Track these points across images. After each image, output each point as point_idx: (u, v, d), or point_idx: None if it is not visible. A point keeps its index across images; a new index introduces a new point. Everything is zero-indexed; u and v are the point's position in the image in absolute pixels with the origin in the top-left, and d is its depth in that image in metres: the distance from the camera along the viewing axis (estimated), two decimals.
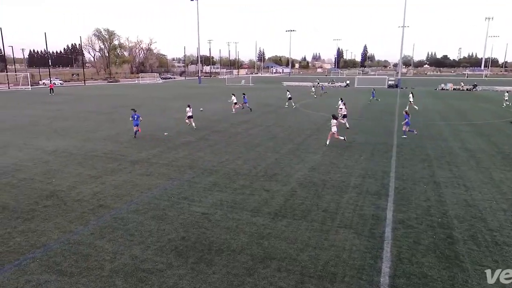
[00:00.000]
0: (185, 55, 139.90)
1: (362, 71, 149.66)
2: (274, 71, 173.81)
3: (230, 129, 21.03)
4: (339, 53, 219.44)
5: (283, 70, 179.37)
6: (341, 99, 25.34)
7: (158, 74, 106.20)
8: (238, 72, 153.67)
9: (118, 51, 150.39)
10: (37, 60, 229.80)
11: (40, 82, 76.83)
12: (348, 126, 20.75)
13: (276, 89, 57.79)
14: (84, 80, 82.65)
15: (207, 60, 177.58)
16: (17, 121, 24.24)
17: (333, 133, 16.34)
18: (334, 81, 72.00)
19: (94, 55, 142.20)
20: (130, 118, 20.15)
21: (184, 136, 18.98)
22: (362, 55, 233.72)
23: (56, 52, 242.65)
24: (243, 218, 9.32)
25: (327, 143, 16.54)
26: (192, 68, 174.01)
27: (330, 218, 9.34)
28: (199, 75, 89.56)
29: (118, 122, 23.58)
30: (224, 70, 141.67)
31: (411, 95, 30.47)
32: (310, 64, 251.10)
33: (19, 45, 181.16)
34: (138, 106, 32.85)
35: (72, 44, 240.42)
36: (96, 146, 16.77)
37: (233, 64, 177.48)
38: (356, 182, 11.90)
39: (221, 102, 36.52)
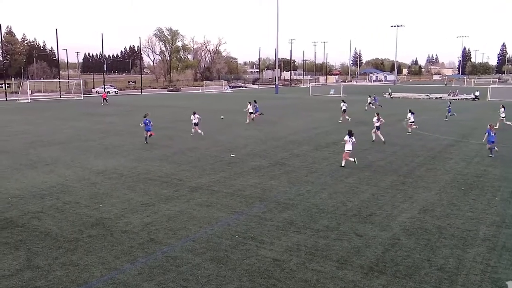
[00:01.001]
0: (259, 59, 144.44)
1: (499, 78, 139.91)
2: (374, 78, 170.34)
3: (313, 153, 21.00)
4: (465, 55, 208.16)
5: (385, 77, 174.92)
6: (410, 111, 28.22)
7: (226, 81, 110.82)
8: (326, 79, 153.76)
9: (181, 54, 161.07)
10: (91, 65, 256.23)
11: (93, 90, 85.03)
12: (383, 139, 23.53)
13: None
14: (141, 88, 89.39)
15: (286, 65, 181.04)
16: (66, 135, 27.00)
17: (346, 152, 17.86)
18: (456, 92, 68.31)
19: (154, 59, 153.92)
20: (141, 124, 24.62)
21: (254, 159, 19.37)
22: (498, 57, 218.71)
23: (112, 55, 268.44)
24: (326, 270, 9.08)
25: (343, 164, 17.93)
26: (268, 74, 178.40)
27: (448, 280, 8.67)
28: (277, 83, 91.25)
29: (176, 140, 24.98)
30: (308, 77, 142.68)
31: (502, 109, 31.85)
32: (423, 69, 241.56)
33: (74, 47, 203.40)
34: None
35: (130, 47, 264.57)
36: (150, 167, 17.89)
37: (320, 69, 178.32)
38: (487, 232, 10.95)
39: (303, 118, 36.75)
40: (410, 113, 27.96)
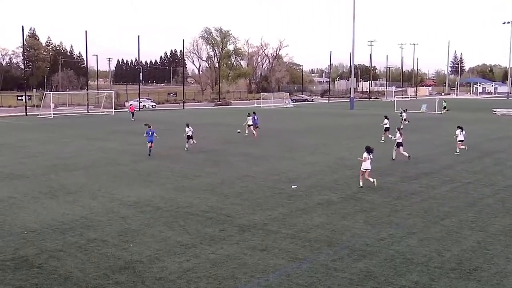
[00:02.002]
0: (330, 65, 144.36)
1: None
2: (480, 90, 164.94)
3: (399, 185, 20.54)
4: None
5: (495, 88, 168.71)
6: (459, 127, 30.12)
7: (288, 94, 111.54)
8: (417, 91, 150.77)
9: (233, 59, 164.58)
10: (125, 73, 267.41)
11: (127, 103, 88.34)
12: (408, 155, 26.53)
13: (485, 121, 54.60)
14: (184, 102, 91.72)
15: (365, 73, 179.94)
16: (93, 157, 28.15)
17: (363, 171, 19.96)
18: None
19: (200, 66, 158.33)
20: (145, 134, 28.26)
21: (322, 192, 19.20)
22: None
23: (150, 62, 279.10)
24: None
25: (361, 184, 20.10)
26: (340, 84, 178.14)
27: None
28: (352, 95, 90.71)
29: (224, 166, 25.32)
30: (393, 88, 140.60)
31: None
32: None
33: (105, 53, 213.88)
34: (251, 143, 34.78)
35: (171, 52, 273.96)
36: (192, 199, 18.19)
37: (409, 78, 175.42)
38: None
39: (385, 142, 36.14)
40: (458, 130, 29.82)
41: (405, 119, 46.54)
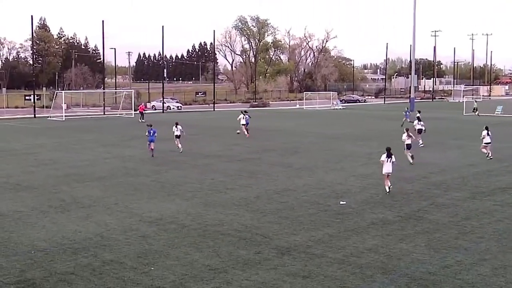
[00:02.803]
0: (386, 60, 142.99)
1: None
2: None
3: (468, 202, 20.22)
4: None
5: None
6: (486, 128, 31.56)
7: (336, 93, 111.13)
8: (490, 90, 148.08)
9: (272, 53, 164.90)
10: (146, 69, 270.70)
11: (149, 104, 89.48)
12: (412, 161, 28.63)
13: None
14: (214, 103, 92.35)
15: (428, 69, 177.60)
16: (110, 166, 28.59)
17: (385, 175, 21.76)
18: None
19: (233, 60, 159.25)
20: (146, 133, 32.03)
21: (375, 209, 19.02)
22: None
23: (176, 57, 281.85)
24: None
25: (388, 186, 21.68)
26: (399, 82, 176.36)
27: None
28: (412, 95, 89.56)
29: (260, 177, 25.35)
30: (461, 87, 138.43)
31: None
32: None
33: (124, 46, 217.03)
34: (293, 151, 34.75)
35: (200, 45, 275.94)
36: (223, 216, 18.25)
37: (481, 75, 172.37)
38: None
39: (452, 150, 35.69)
40: (485, 130, 31.27)
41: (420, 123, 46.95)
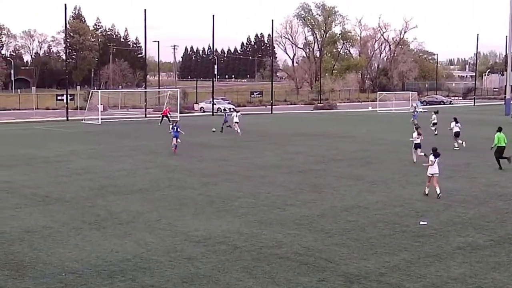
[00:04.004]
0: (476, 54, 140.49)
1: None
2: None
3: None
4: None
5: None
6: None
7: (416, 93, 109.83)
8: None
9: (340, 46, 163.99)
10: (194, 66, 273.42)
11: (196, 105, 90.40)
12: (415, 160, 32.47)
13: None
14: (272, 104, 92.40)
15: None
16: (153, 177, 28.98)
17: (429, 176, 23.73)
18: None
19: (294, 55, 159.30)
20: (170, 130, 38.11)
21: (462, 231, 18.69)
22: None
23: (228, 51, 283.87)
24: None
25: (426, 191, 24.03)
26: (492, 81, 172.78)
27: None
28: (508, 96, 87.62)
29: (325, 192, 25.22)
30: None
31: None
32: None
33: (169, 39, 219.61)
34: (364, 161, 34.44)
35: (256, 37, 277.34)
36: (281, 236, 18.22)
37: None
38: None
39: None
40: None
41: (435, 123, 51.04)
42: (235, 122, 51.50)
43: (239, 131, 50.56)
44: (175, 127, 37.97)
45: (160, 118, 63.44)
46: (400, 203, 22.96)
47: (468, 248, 16.98)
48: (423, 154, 30.91)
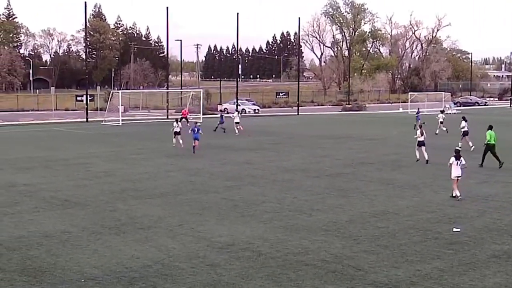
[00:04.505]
0: None
1: None
2: None
3: None
4: None
5: None
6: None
7: (449, 94, 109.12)
8: None
9: (369, 45, 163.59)
10: (217, 66, 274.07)
11: (220, 106, 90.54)
12: (418, 157, 34.90)
13: None
14: (299, 105, 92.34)
15: None
16: (174, 180, 29.10)
17: (454, 179, 24.37)
18: None
19: (322, 54, 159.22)
20: (190, 131, 39.70)
21: (497, 238, 18.50)
22: None
23: (253, 50, 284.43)
24: None
25: (457, 194, 24.28)
26: None
27: None
28: None
29: (354, 197, 25.15)
30: None
31: None
32: None
33: (191, 38, 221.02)
34: (395, 165, 34.27)
35: (281, 35, 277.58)
36: (308, 242, 18.18)
37: None
38: None
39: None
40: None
41: (441, 122, 54.99)
42: (236, 123, 54.17)
43: (237, 132, 53.32)
44: (195, 129, 39.35)
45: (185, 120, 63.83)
46: (432, 208, 22.82)
47: (504, 257, 16.83)
48: (425, 153, 34.43)
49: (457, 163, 24.22)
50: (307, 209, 22.69)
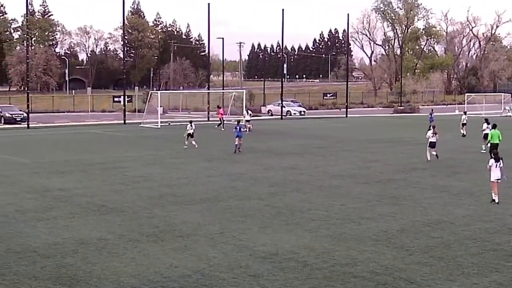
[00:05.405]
0: None
1: None
2: None
3: None
4: None
5: None
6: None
7: (509, 96, 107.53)
8: None
9: (423, 43, 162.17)
10: (261, 65, 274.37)
11: (264, 108, 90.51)
12: (429, 158, 36.92)
13: None
14: (347, 107, 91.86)
15: None
16: (215, 186, 29.18)
17: (493, 182, 24.85)
18: None
19: (372, 52, 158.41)
20: (234, 130, 41.76)
21: None
22: None
23: (299, 48, 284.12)
24: None
25: (496, 199, 24.79)
26: None
27: None
28: None
29: (406, 204, 24.98)
30: None
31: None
32: None
33: (234, 36, 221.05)
34: (450, 170, 33.94)
35: (329, 33, 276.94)
36: (356, 253, 18.09)
37: None
38: None
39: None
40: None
41: (464, 124, 56.05)
42: (246, 120, 58.49)
43: (247, 130, 55.68)
44: (238, 127, 41.96)
45: (219, 121, 64.54)
46: (490, 218, 22.54)
47: None
48: (435, 153, 36.95)
49: (496, 165, 24.79)
50: (355, 217, 22.59)
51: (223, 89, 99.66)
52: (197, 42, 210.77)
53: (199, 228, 21.04)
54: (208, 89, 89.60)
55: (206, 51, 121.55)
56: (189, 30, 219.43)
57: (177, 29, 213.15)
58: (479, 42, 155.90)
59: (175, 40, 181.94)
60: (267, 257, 17.69)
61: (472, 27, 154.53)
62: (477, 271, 16.44)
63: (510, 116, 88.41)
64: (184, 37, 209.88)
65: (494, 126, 38.24)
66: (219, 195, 26.85)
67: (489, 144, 36.98)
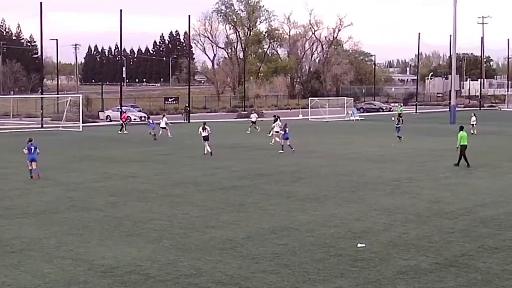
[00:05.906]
0: (418, 56, 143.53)
1: None
2: None
3: None
4: None
5: None
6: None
7: (352, 99, 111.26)
8: None
9: (266, 46, 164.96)
10: (99, 68, 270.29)
11: (102, 113, 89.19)
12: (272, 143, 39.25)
13: None
14: (189, 112, 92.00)
15: (473, 67, 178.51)
16: (49, 198, 28.40)
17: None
18: None
19: (215, 55, 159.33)
20: (24, 150, 34.46)
21: (405, 254, 18.90)
22: None
23: (138, 51, 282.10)
24: None
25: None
26: (436, 85, 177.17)
27: None
28: (453, 103, 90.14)
29: (252, 211, 25.23)
30: None
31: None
32: None
33: (70, 37, 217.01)
34: (295, 176, 34.59)
35: (170, 35, 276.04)
36: (201, 263, 18.11)
37: None
38: None
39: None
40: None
41: (474, 124, 58.64)
42: (252, 121, 69.27)
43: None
44: (32, 147, 34.05)
45: (122, 125, 66.23)
46: (334, 223, 23.13)
47: (411, 273, 17.21)
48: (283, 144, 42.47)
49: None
50: (200, 226, 22.64)
51: (57, 94, 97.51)
52: (29, 44, 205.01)
53: (33, 242, 20.47)
54: (42, 94, 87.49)
55: (39, 53, 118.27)
56: (20, 31, 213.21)
57: (6, 29, 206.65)
58: (322, 45, 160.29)
59: (4, 41, 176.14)
60: (107, 270, 17.44)
61: (315, 31, 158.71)
62: (322, 277, 16.83)
63: (353, 120, 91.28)
64: (14, 38, 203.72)
65: (461, 128, 38.64)
66: (55, 207, 26.23)
67: (458, 146, 37.69)
